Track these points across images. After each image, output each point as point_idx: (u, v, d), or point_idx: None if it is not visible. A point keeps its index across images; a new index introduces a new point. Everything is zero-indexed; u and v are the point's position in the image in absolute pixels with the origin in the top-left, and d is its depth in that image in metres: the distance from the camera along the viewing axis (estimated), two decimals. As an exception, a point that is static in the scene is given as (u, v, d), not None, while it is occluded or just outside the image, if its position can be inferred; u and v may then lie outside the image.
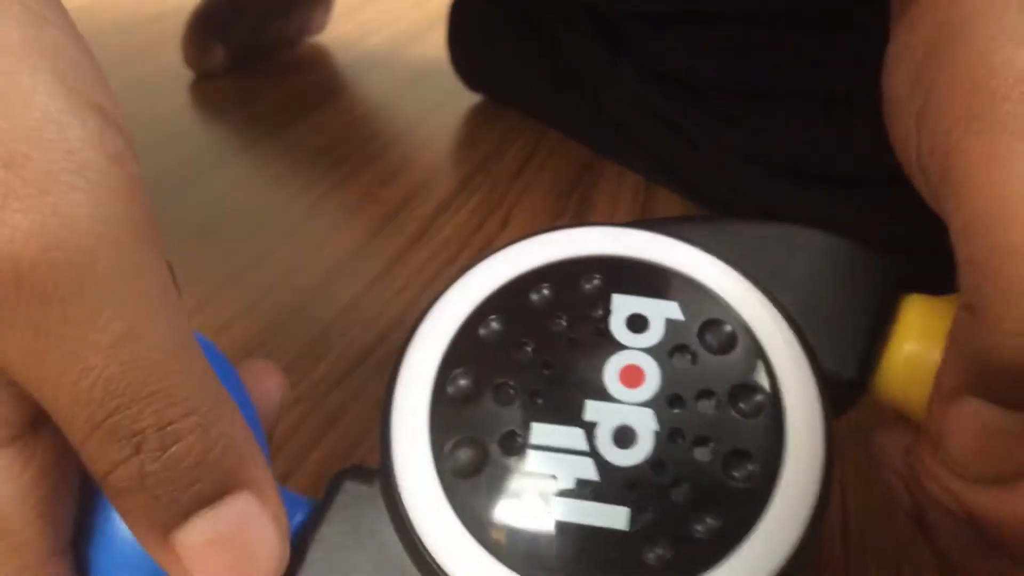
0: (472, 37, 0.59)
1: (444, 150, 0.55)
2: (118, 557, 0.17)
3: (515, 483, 0.16)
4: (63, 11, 0.16)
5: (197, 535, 0.15)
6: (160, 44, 0.66)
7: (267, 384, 0.20)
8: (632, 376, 0.17)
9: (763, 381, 0.17)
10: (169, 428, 0.15)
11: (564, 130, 0.54)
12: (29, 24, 0.15)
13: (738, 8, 0.42)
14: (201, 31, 0.62)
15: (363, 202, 0.46)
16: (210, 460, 0.15)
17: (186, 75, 0.63)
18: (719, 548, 0.16)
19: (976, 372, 0.16)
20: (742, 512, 0.16)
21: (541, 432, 0.17)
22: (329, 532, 0.17)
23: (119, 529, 0.16)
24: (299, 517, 0.18)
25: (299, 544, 0.17)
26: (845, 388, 0.18)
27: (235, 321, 0.35)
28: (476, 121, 0.58)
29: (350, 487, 0.17)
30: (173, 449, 0.15)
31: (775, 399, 0.17)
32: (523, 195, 0.47)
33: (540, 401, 0.17)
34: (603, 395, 0.17)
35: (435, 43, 0.61)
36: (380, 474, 0.17)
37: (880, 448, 0.19)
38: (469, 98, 0.60)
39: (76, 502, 0.17)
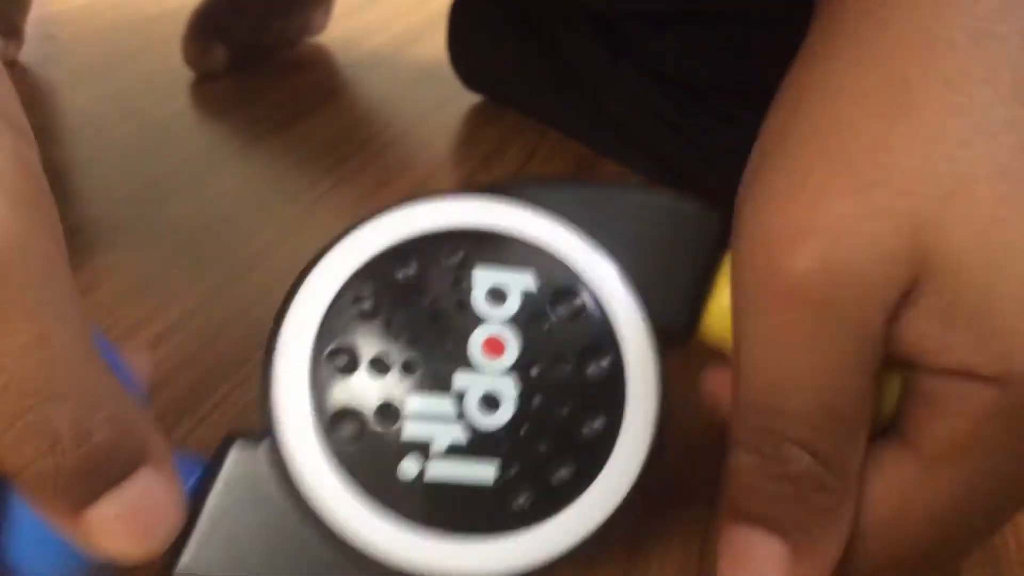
0: (472, 38, 0.59)
1: (445, 150, 0.55)
2: (31, 536, 0.18)
3: (393, 449, 0.18)
4: None
5: (107, 511, 0.16)
6: (160, 44, 0.66)
7: (138, 361, 0.21)
8: (494, 347, 0.19)
9: (607, 341, 0.20)
10: (82, 426, 0.16)
11: (564, 130, 0.54)
12: None
13: (738, 8, 0.42)
14: (202, 31, 0.62)
15: (364, 202, 0.46)
16: (118, 447, 0.16)
17: (187, 75, 0.63)
18: (572, 492, 0.19)
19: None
20: (592, 459, 0.19)
21: (415, 403, 0.19)
22: (219, 498, 0.18)
23: (28, 512, 0.17)
24: (195, 476, 0.19)
25: (192, 508, 0.18)
26: (676, 335, 0.20)
27: (235, 320, 0.35)
28: (476, 121, 0.58)
29: (236, 453, 0.19)
30: (87, 445, 0.16)
31: (617, 357, 0.19)
32: (523, 195, 0.47)
33: (412, 373, 0.19)
34: (469, 365, 0.19)
35: (435, 43, 0.61)
36: (267, 443, 0.19)
37: (708, 392, 0.21)
38: (469, 98, 0.60)
39: None
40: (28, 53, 0.66)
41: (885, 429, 0.19)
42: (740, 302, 0.19)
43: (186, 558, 0.18)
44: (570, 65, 0.51)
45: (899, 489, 0.18)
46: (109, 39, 0.71)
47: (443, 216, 0.20)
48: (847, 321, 0.17)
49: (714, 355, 0.21)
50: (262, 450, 0.19)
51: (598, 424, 0.19)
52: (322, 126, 0.56)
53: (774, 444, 0.18)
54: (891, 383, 0.19)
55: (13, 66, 0.64)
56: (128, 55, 0.68)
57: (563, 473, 0.19)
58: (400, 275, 0.19)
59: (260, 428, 0.19)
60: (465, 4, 0.59)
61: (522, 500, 0.19)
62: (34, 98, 0.60)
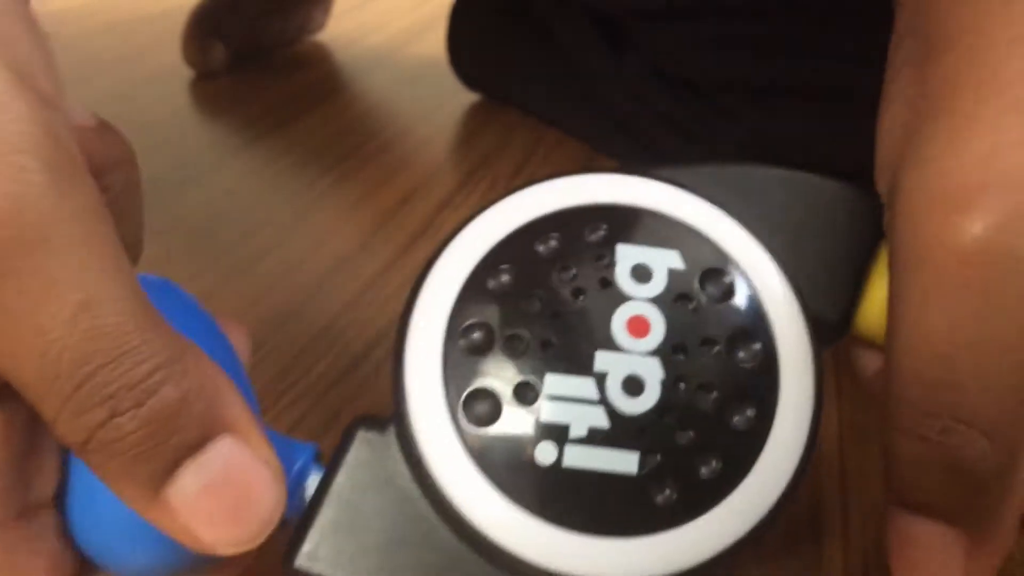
0: (472, 38, 0.59)
1: (444, 148, 0.55)
2: (103, 521, 0.17)
3: (530, 432, 0.17)
4: (21, 2, 0.17)
5: (188, 485, 0.15)
6: (160, 43, 0.66)
7: (236, 334, 0.20)
8: (638, 326, 0.18)
9: (759, 328, 0.18)
10: (141, 385, 0.15)
11: (564, 128, 0.54)
12: None
13: (739, 4, 0.42)
14: (201, 30, 0.62)
15: (363, 200, 0.46)
16: (187, 408, 0.15)
17: (186, 74, 0.63)
18: (721, 487, 0.17)
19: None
20: (742, 453, 0.17)
21: (554, 383, 0.17)
22: (345, 480, 0.17)
23: (100, 493, 0.16)
24: (301, 461, 0.18)
25: (316, 495, 0.17)
26: (829, 329, 0.19)
27: (236, 318, 0.35)
28: (476, 119, 0.58)
29: (364, 435, 0.18)
30: (149, 403, 0.15)
31: (770, 345, 0.18)
32: (523, 193, 0.47)
33: (552, 352, 0.17)
34: (612, 345, 0.18)
35: (435, 41, 0.61)
36: (395, 423, 0.17)
37: (859, 366, 0.20)
38: (469, 96, 0.60)
39: (54, 467, 0.17)
40: (27, 52, 0.66)
41: None
42: (905, 266, 0.17)
43: (307, 548, 0.17)
44: (571, 63, 0.51)
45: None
46: (108, 38, 0.71)
47: (584, 192, 0.19)
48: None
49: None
50: (390, 434, 0.18)
51: (749, 414, 0.17)
52: (322, 124, 0.56)
53: (945, 429, 0.16)
54: (873, 304, 0.19)
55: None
56: (127, 54, 0.67)
57: (711, 467, 0.17)
58: (541, 249, 0.18)
59: (390, 412, 0.18)
60: (465, 6, 0.59)
61: (667, 494, 0.17)
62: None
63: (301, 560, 0.17)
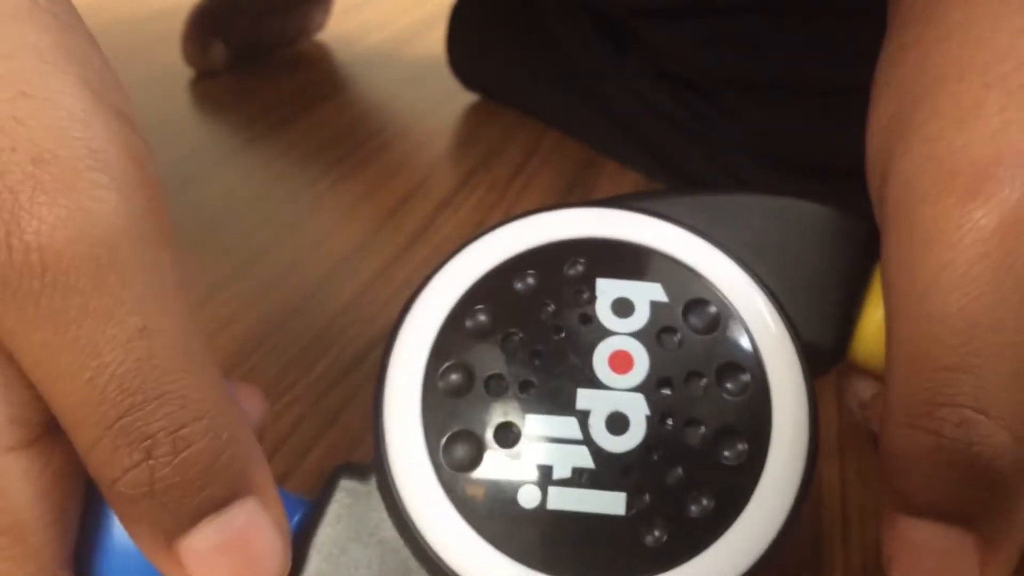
0: (471, 39, 0.59)
1: (444, 147, 0.55)
2: (117, 566, 0.16)
3: (512, 475, 0.17)
4: (82, 20, 0.17)
5: (203, 541, 0.15)
6: (160, 42, 0.66)
7: (250, 403, 0.19)
8: (621, 362, 0.17)
9: (748, 359, 0.17)
10: (181, 432, 0.14)
11: (564, 128, 0.54)
12: (58, 31, 0.16)
13: (740, 2, 0.42)
14: (201, 28, 0.62)
15: (363, 199, 0.46)
16: (220, 465, 0.15)
17: (186, 73, 0.63)
18: (714, 527, 0.16)
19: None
20: (735, 490, 0.17)
21: (535, 423, 0.17)
22: (329, 532, 0.17)
23: (118, 536, 0.16)
24: (296, 517, 0.18)
25: (298, 545, 0.17)
26: (823, 356, 0.18)
27: (235, 319, 0.35)
28: (476, 119, 0.58)
29: (346, 485, 0.17)
30: (185, 454, 0.14)
31: (760, 376, 0.17)
32: (523, 193, 0.47)
33: (533, 392, 0.17)
34: (594, 383, 0.17)
35: (435, 41, 0.61)
36: (376, 471, 0.17)
37: (852, 392, 0.20)
38: (468, 96, 0.60)
39: (81, 508, 0.17)
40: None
41: None
42: (911, 249, 0.16)
43: None
44: (571, 63, 0.51)
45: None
46: (108, 37, 0.71)
47: (561, 227, 0.19)
48: None
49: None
50: (372, 482, 0.17)
51: (741, 448, 0.17)
52: (321, 124, 0.56)
53: (962, 421, 0.15)
54: (868, 328, 0.18)
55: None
56: (127, 53, 0.67)
57: (703, 505, 0.17)
58: (518, 287, 0.18)
59: (371, 458, 0.17)
60: (464, 7, 0.59)
61: (656, 535, 0.16)
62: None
63: None
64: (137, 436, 0.14)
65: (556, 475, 0.17)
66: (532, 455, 0.17)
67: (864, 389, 0.20)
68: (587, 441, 0.17)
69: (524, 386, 0.17)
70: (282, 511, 0.16)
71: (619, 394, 0.17)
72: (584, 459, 0.17)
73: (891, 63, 0.19)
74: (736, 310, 0.18)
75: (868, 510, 0.26)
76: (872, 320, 0.18)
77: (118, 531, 0.16)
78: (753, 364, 0.17)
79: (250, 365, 0.32)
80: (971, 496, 0.15)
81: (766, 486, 0.17)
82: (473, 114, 0.58)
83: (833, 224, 0.19)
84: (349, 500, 0.17)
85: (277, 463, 0.28)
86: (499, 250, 0.18)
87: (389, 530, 0.17)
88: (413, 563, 0.17)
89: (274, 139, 0.54)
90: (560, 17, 0.51)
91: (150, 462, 0.14)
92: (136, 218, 0.15)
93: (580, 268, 0.18)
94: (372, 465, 0.17)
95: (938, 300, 0.15)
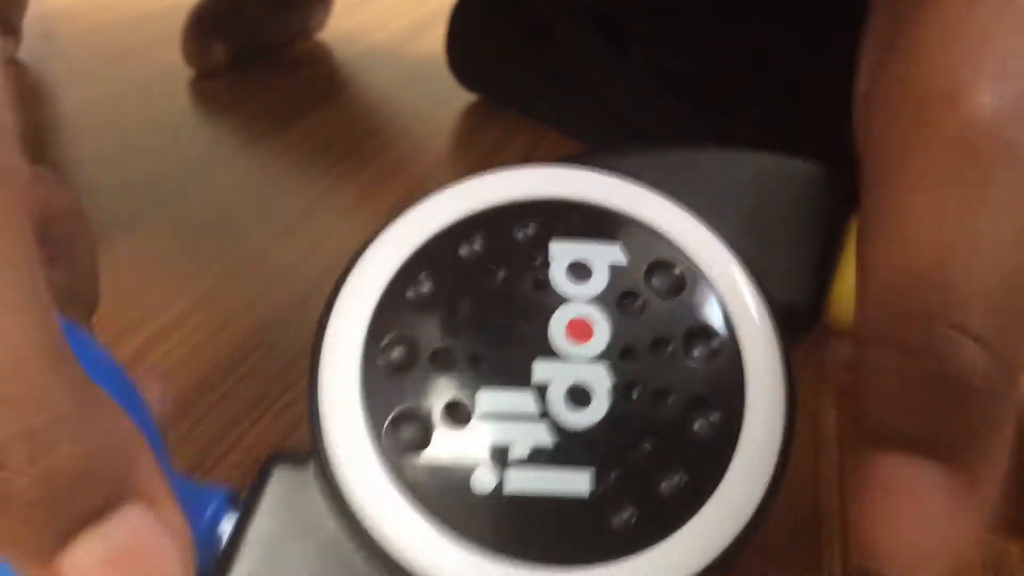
0: (471, 40, 0.59)
1: (444, 148, 0.55)
2: None
3: (465, 456, 0.15)
4: None
5: (87, 555, 0.13)
6: (160, 42, 0.66)
7: (150, 392, 0.18)
8: (580, 330, 0.16)
9: (717, 323, 0.16)
10: (37, 439, 0.13)
11: (564, 129, 0.54)
12: None
13: (742, 3, 0.42)
14: (201, 28, 0.62)
15: (363, 199, 0.46)
16: (91, 470, 0.13)
17: (186, 73, 0.63)
18: (687, 505, 0.15)
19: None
20: (708, 464, 0.15)
21: (488, 399, 0.15)
22: (262, 527, 0.16)
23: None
24: (212, 508, 0.16)
25: (229, 544, 0.15)
26: (799, 317, 0.17)
27: (234, 319, 0.35)
28: (476, 119, 0.58)
29: (281, 474, 0.16)
30: (46, 461, 0.13)
31: (731, 340, 0.16)
32: (523, 193, 0.47)
33: (484, 365, 0.15)
34: (551, 353, 0.16)
35: (435, 40, 0.61)
36: (314, 459, 0.16)
37: (833, 354, 0.19)
38: (469, 95, 0.60)
39: None
40: (26, 50, 0.66)
41: None
42: (885, 161, 0.15)
43: None
44: (571, 63, 0.51)
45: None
46: (108, 36, 0.71)
47: (509, 188, 0.17)
48: None
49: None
50: (309, 471, 0.16)
51: (713, 420, 0.16)
52: (322, 123, 0.56)
53: (929, 334, 0.14)
54: (845, 284, 0.17)
55: (11, 64, 0.63)
56: (127, 52, 0.67)
57: (674, 482, 0.15)
58: (464, 252, 0.16)
59: (308, 446, 0.16)
60: (464, 11, 0.59)
61: (625, 516, 0.15)
62: (32, 96, 0.59)
63: None
64: None
65: (513, 455, 0.15)
66: (486, 434, 0.15)
67: (844, 349, 0.18)
68: (546, 416, 0.15)
69: (474, 359, 0.15)
70: (177, 512, 0.15)
71: (579, 365, 0.16)
72: (543, 436, 0.15)
73: (875, 21, 0.18)
74: (702, 271, 0.17)
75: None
76: (849, 276, 0.17)
77: None
78: (723, 328, 0.16)
79: (250, 365, 0.32)
80: (941, 423, 0.14)
81: (741, 459, 0.15)
82: (473, 114, 0.58)
83: (806, 177, 0.18)
84: (284, 489, 0.16)
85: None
86: (442, 214, 0.17)
87: (329, 521, 0.15)
88: (356, 557, 0.15)
89: (274, 139, 0.54)
90: (560, 17, 0.51)
91: (4, 474, 0.12)
92: None
93: (531, 230, 0.17)
94: (309, 452, 0.16)
95: (910, 213, 0.15)
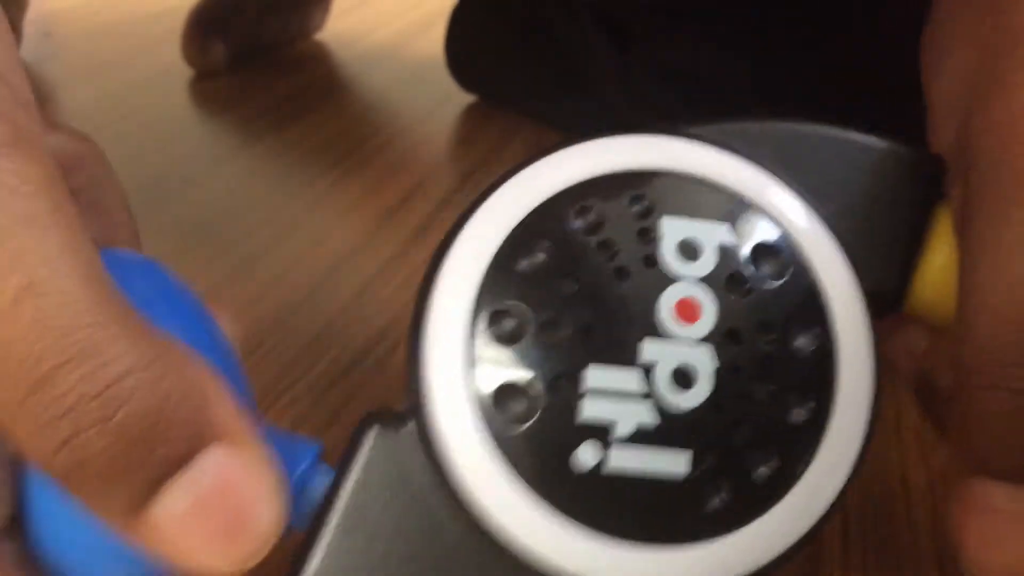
0: (471, 40, 0.58)
1: (444, 147, 0.55)
2: (72, 543, 0.14)
3: (571, 431, 0.15)
4: None
5: (176, 502, 0.13)
6: (160, 42, 0.66)
7: (226, 321, 0.18)
8: (688, 310, 0.16)
9: (817, 309, 0.16)
10: (107, 393, 0.12)
11: (564, 129, 0.54)
12: None
13: (747, 4, 0.42)
14: (201, 28, 0.62)
15: (363, 199, 0.46)
16: (167, 418, 0.13)
17: (186, 72, 0.63)
18: (776, 489, 0.15)
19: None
20: (799, 450, 0.16)
21: (597, 375, 0.15)
22: (357, 489, 0.15)
23: (65, 511, 0.14)
24: (304, 464, 0.16)
25: (323, 504, 0.15)
26: (880, 304, 0.17)
27: (236, 318, 0.35)
28: (477, 118, 0.58)
29: (377, 435, 0.16)
30: (119, 416, 0.12)
31: (828, 328, 0.16)
32: (523, 192, 0.47)
33: (593, 341, 0.15)
34: (659, 332, 0.15)
35: (435, 40, 0.61)
36: (414, 423, 0.15)
37: (903, 343, 0.19)
38: (469, 96, 0.60)
39: (7, 486, 0.15)
40: (26, 51, 0.66)
41: None
42: (1005, 195, 0.15)
43: (313, 567, 0.15)
44: (571, 63, 0.50)
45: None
46: (107, 36, 0.71)
47: (621, 155, 0.17)
48: None
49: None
50: (407, 434, 0.15)
51: (807, 408, 0.16)
52: (321, 123, 0.56)
53: None
54: (928, 274, 0.17)
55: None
56: (127, 52, 0.67)
57: (766, 468, 0.15)
58: (576, 224, 0.16)
59: (405, 408, 0.16)
60: (464, 11, 0.59)
61: (718, 499, 0.15)
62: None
63: None
64: (56, 411, 0.12)
65: (617, 433, 0.15)
66: (592, 411, 0.15)
67: (919, 339, 0.19)
68: (651, 396, 0.15)
69: (584, 334, 0.15)
70: (264, 453, 0.14)
71: (685, 346, 0.15)
72: (648, 416, 0.15)
73: (949, 31, 0.18)
74: (805, 256, 0.16)
75: (868, 509, 0.26)
76: (934, 265, 0.17)
77: (74, 514, 0.14)
78: (821, 316, 0.16)
79: (250, 365, 0.32)
80: None
81: (829, 444, 0.16)
82: (473, 114, 0.58)
83: (896, 160, 0.17)
84: (381, 451, 0.15)
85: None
86: (552, 180, 0.16)
87: (428, 487, 0.15)
88: (455, 523, 0.15)
89: (274, 138, 0.54)
90: (561, 17, 0.51)
91: (81, 435, 0.12)
92: (5, 169, 0.13)
93: (644, 204, 0.16)
94: (407, 414, 0.16)
95: (1008, 267, 0.15)
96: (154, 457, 0.13)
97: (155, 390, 0.13)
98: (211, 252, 0.40)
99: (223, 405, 0.14)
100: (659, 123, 0.18)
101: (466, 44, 0.59)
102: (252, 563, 0.14)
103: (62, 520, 0.14)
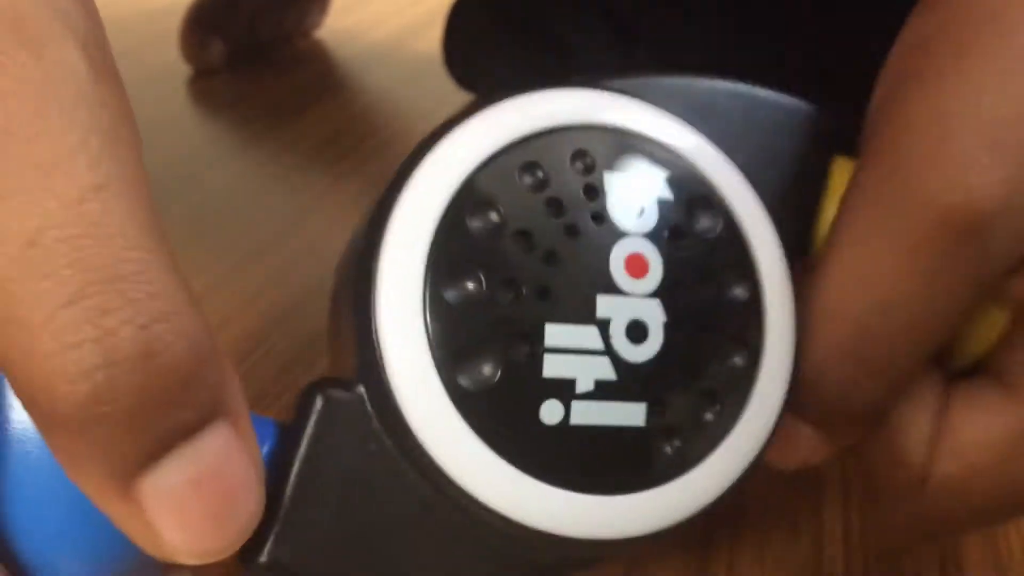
0: (470, 38, 0.58)
1: (443, 146, 0.55)
2: (37, 522, 0.13)
3: (533, 389, 0.15)
4: None
5: (171, 476, 0.12)
6: (158, 40, 0.66)
7: None
8: (637, 265, 0.16)
9: (747, 262, 0.17)
10: (154, 328, 0.11)
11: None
12: None
13: (760, 3, 0.42)
14: (199, 26, 0.62)
15: (363, 198, 0.46)
16: (200, 374, 0.12)
17: (184, 71, 0.63)
18: (721, 430, 0.17)
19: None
20: (738, 392, 0.17)
21: (555, 333, 0.15)
22: (311, 456, 0.15)
23: (34, 489, 0.13)
24: (268, 444, 0.15)
25: (279, 469, 0.15)
26: (788, 253, 0.18)
27: (234, 318, 0.35)
28: (475, 117, 0.57)
29: (328, 400, 0.15)
30: (160, 359, 0.11)
31: (756, 279, 0.17)
32: (523, 192, 0.47)
33: (551, 299, 0.16)
34: (613, 288, 0.16)
35: (435, 39, 0.61)
36: (369, 386, 0.15)
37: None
38: (469, 95, 0.59)
39: None
40: (25, 48, 0.66)
41: (975, 367, 0.18)
42: (871, 216, 0.16)
43: (273, 539, 0.14)
44: (575, 61, 0.50)
45: (992, 429, 0.17)
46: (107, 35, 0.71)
47: (557, 110, 0.17)
48: (987, 258, 0.15)
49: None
50: (355, 400, 0.15)
51: (742, 356, 0.17)
52: (321, 121, 0.56)
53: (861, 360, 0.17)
54: (991, 318, 0.18)
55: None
56: (125, 51, 0.67)
57: (711, 413, 0.16)
58: (526, 180, 0.16)
59: (353, 375, 0.15)
60: (462, 9, 0.59)
61: (674, 444, 0.16)
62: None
63: (268, 555, 0.14)
64: (90, 331, 0.10)
65: (579, 388, 0.15)
66: (553, 368, 0.15)
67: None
68: (609, 351, 0.16)
69: (541, 293, 0.15)
70: (254, 436, 0.13)
71: (637, 301, 0.16)
72: (606, 371, 0.16)
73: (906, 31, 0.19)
74: (732, 208, 0.17)
75: (868, 505, 0.26)
76: (829, 215, 0.18)
77: (37, 492, 0.12)
78: (751, 266, 0.17)
79: (250, 364, 0.32)
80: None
81: (761, 389, 0.17)
82: (472, 112, 0.58)
83: (798, 115, 0.18)
84: (332, 416, 0.15)
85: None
86: (493, 134, 0.16)
87: (386, 449, 0.15)
88: (419, 484, 0.15)
89: (273, 137, 0.54)
90: (564, 13, 0.51)
91: (113, 369, 0.10)
92: (96, 77, 0.12)
93: (586, 160, 0.16)
94: (356, 379, 0.15)
95: (855, 269, 0.17)
96: (172, 419, 0.11)
97: (197, 342, 0.12)
98: (210, 250, 0.40)
99: (235, 382, 0.13)
100: (582, 77, 0.18)
101: (464, 42, 0.59)
102: (223, 557, 0.13)
103: (30, 500, 0.13)
